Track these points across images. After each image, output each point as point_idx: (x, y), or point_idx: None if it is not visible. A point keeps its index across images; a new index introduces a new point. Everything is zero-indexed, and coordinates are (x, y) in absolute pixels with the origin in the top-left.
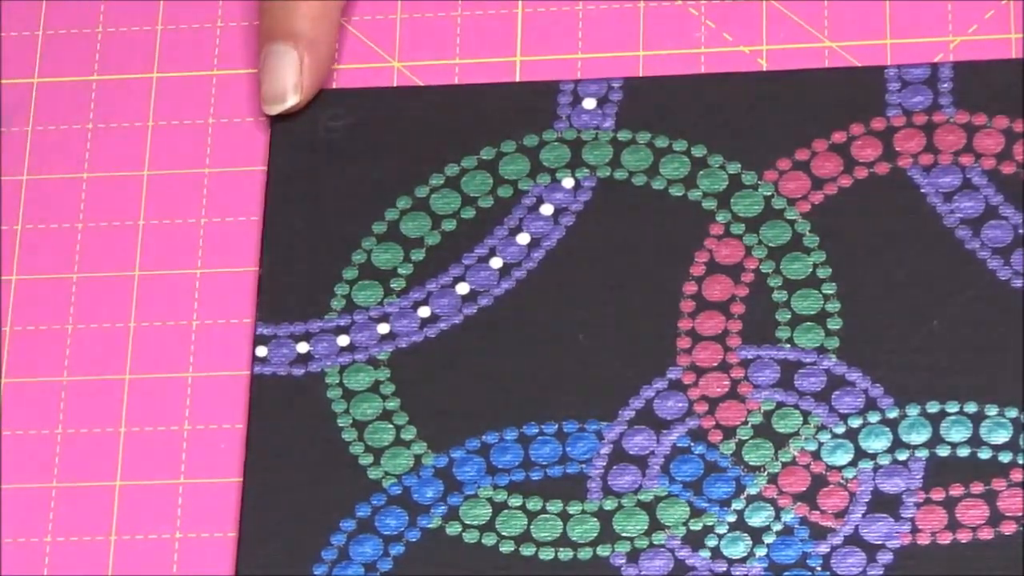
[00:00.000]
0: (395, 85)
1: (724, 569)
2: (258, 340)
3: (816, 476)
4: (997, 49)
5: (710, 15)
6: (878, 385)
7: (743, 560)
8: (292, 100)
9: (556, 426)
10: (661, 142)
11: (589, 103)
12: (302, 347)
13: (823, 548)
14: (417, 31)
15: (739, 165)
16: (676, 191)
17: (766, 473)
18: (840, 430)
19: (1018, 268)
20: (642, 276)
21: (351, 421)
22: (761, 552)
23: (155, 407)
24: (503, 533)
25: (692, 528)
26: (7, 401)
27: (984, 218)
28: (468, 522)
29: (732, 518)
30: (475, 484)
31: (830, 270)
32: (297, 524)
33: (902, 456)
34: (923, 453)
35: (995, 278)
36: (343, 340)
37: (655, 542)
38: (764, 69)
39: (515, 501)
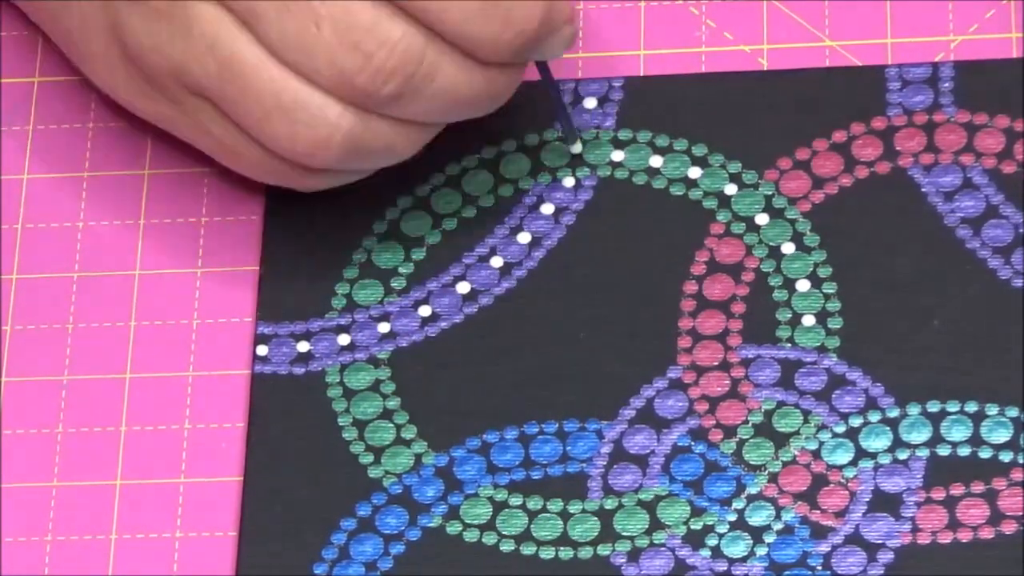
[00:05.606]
0: None
1: (724, 568)
2: (259, 339)
3: (816, 475)
4: (998, 48)
5: (711, 14)
6: (878, 384)
7: (743, 559)
8: None
9: (557, 425)
10: (662, 141)
11: (590, 102)
12: (303, 346)
13: (823, 547)
14: None
15: (740, 164)
16: (677, 190)
17: (766, 472)
18: (840, 429)
19: (1018, 268)
20: (642, 275)
21: (351, 420)
22: (761, 551)
23: (155, 407)
24: (503, 532)
25: (693, 527)
26: (7, 401)
27: (985, 217)
28: (468, 521)
29: (733, 517)
30: (475, 483)
31: (830, 269)
32: (297, 523)
33: (903, 455)
34: (924, 452)
35: (995, 278)
36: (344, 339)
37: (655, 541)
38: (764, 68)
39: (515, 500)
